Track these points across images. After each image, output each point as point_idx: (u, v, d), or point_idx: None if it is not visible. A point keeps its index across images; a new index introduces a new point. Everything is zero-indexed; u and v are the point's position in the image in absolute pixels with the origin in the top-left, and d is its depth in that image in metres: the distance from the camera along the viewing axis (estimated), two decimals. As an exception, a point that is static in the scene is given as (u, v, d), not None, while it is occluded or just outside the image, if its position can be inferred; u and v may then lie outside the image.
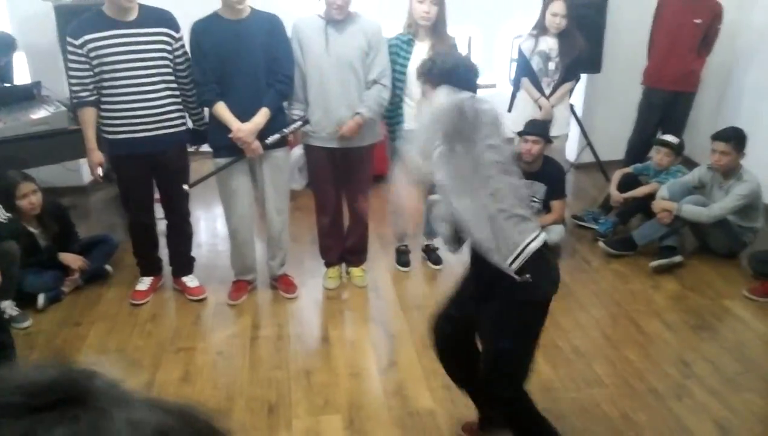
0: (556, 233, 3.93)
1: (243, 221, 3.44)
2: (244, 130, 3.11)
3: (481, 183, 1.97)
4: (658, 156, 4.29)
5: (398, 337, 3.25)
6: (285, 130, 3.22)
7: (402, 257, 3.94)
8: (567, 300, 3.48)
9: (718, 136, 3.86)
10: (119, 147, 3.19)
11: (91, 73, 3.05)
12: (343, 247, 3.74)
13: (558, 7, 3.96)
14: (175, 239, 3.61)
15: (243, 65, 3.08)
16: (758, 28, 4.77)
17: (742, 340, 3.20)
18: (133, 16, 3.06)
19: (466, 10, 4.66)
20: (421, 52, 3.42)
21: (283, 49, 3.16)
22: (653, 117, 4.69)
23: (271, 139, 3.19)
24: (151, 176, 3.38)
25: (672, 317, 3.39)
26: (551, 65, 4.10)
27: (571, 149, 5.18)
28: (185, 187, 3.29)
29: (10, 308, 3.29)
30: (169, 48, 3.13)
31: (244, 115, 3.13)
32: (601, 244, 4.09)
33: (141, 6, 3.09)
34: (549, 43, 4.06)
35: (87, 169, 5.02)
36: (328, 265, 3.75)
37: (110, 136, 3.18)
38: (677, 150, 4.26)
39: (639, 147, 4.76)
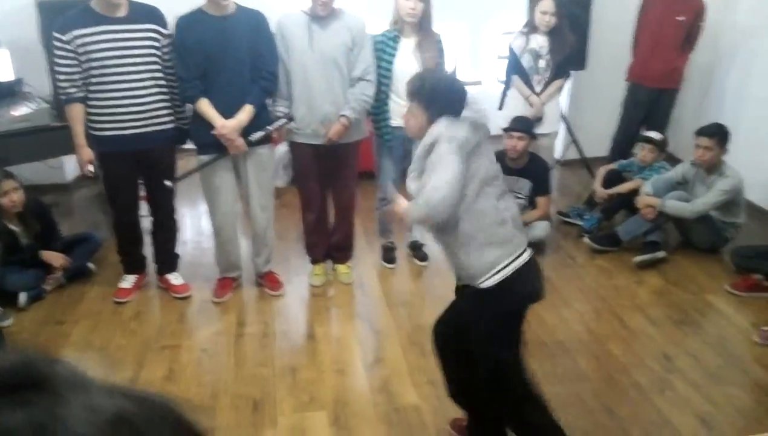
0: (541, 229, 3.95)
1: (227, 218, 3.43)
2: (227, 126, 3.10)
3: (463, 211, 2.03)
4: (642, 152, 4.33)
5: (384, 333, 3.26)
6: (269, 128, 3.20)
7: (388, 254, 3.94)
8: (552, 295, 3.48)
9: (701, 132, 3.90)
10: (106, 144, 3.16)
11: (79, 69, 3.02)
12: (329, 244, 3.74)
13: (547, 5, 3.95)
14: (160, 236, 3.58)
15: (227, 61, 3.06)
16: (741, 27, 4.81)
17: (724, 334, 3.24)
18: (122, 12, 3.03)
19: (452, 7, 4.66)
20: (407, 48, 3.42)
21: (268, 45, 3.15)
22: (637, 114, 4.73)
23: (255, 137, 3.18)
24: (138, 174, 3.36)
25: (655, 312, 3.42)
26: (542, 63, 4.11)
27: (556, 146, 5.19)
28: (167, 183, 3.26)
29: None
30: (157, 44, 3.10)
31: (228, 112, 3.11)
32: (585, 240, 4.12)
33: (130, 2, 3.06)
34: (539, 41, 4.07)
35: (70, 166, 5.03)
36: (313, 262, 3.74)
37: (97, 133, 3.14)
38: (661, 146, 4.30)
39: (623, 144, 4.80)
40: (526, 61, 4.13)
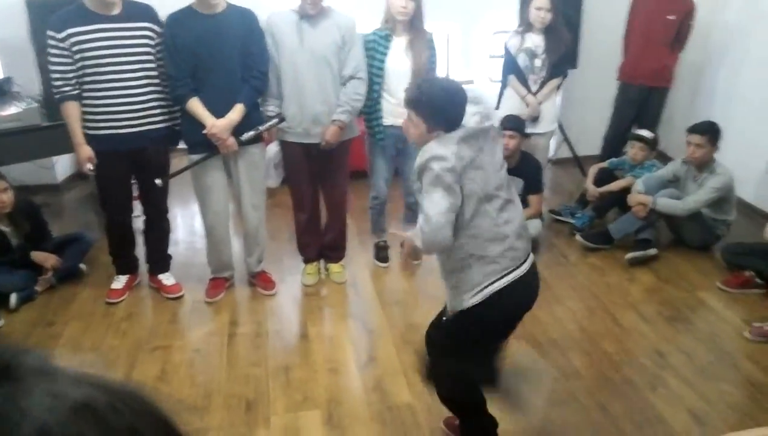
0: (533, 228, 3.96)
1: (218, 217, 3.41)
2: (218, 126, 3.08)
3: (457, 230, 2.05)
4: (633, 151, 4.34)
5: (377, 332, 3.25)
6: (260, 128, 3.19)
7: (381, 253, 3.94)
8: (544, 294, 3.45)
9: (693, 129, 3.91)
10: (100, 143, 3.13)
11: (74, 67, 3.00)
12: (322, 243, 3.73)
13: (541, 1, 3.95)
14: (152, 236, 3.57)
15: (218, 60, 3.05)
16: (730, 27, 4.84)
17: (715, 331, 3.25)
18: (117, 10, 3.01)
19: (443, 6, 4.66)
20: (398, 47, 3.42)
21: (258, 44, 3.13)
22: (628, 112, 4.74)
23: (246, 136, 3.16)
24: (131, 173, 3.34)
25: (647, 309, 3.43)
26: (537, 62, 4.10)
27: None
28: (157, 181, 3.25)
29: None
30: (152, 43, 3.09)
31: (218, 111, 3.10)
32: (578, 238, 4.13)
33: (124, 0, 3.04)
34: (535, 40, 4.06)
35: (61, 167, 5.00)
36: (306, 261, 3.73)
37: (91, 132, 3.12)
38: (652, 145, 4.31)
39: (614, 142, 4.81)
40: (521, 61, 4.13)
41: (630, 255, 3.89)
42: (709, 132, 3.86)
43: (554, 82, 4.18)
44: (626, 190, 4.16)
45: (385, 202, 3.80)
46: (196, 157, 3.23)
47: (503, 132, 3.85)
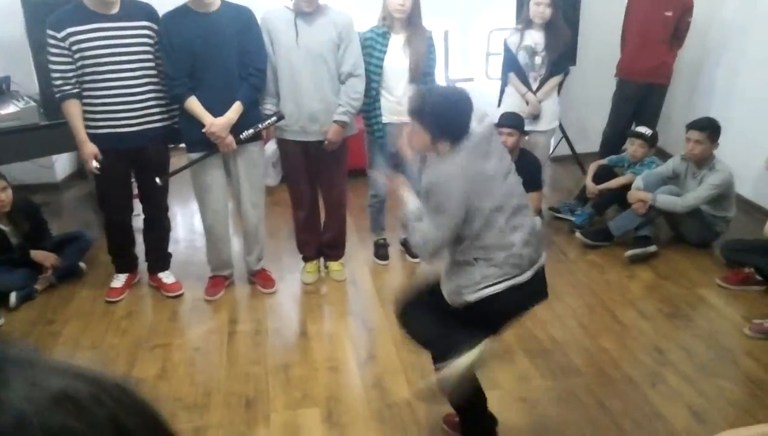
0: (532, 225, 3.95)
1: (218, 216, 3.41)
2: (217, 124, 3.08)
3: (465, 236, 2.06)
4: (632, 147, 4.34)
5: (377, 330, 3.25)
6: (260, 126, 3.18)
7: (380, 251, 3.94)
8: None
9: (693, 125, 3.91)
10: (100, 142, 3.12)
11: (73, 66, 2.99)
12: (321, 241, 3.73)
13: None
14: (152, 234, 3.56)
15: (214, 59, 3.04)
16: (729, 23, 4.83)
17: (715, 328, 3.25)
18: (116, 9, 3.00)
19: (441, 3, 4.66)
20: (396, 44, 3.41)
21: (255, 41, 3.12)
22: (627, 109, 4.74)
23: (245, 135, 3.16)
24: (131, 172, 3.34)
25: (647, 306, 3.43)
26: (537, 60, 4.10)
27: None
28: (158, 180, 3.25)
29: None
30: (151, 42, 3.08)
31: (217, 110, 3.09)
32: (577, 235, 4.13)
33: None
34: (535, 38, 4.05)
35: (60, 166, 5.00)
36: (305, 259, 3.73)
37: (91, 131, 3.11)
38: (651, 141, 4.31)
39: (614, 139, 4.81)
40: (521, 58, 4.12)
41: (630, 252, 3.88)
42: (709, 128, 3.86)
43: (555, 79, 4.17)
44: (626, 188, 4.15)
45: (385, 200, 3.80)
46: (195, 155, 3.22)
47: (501, 129, 3.84)
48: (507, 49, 4.20)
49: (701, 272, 3.78)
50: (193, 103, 3.09)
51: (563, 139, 5.20)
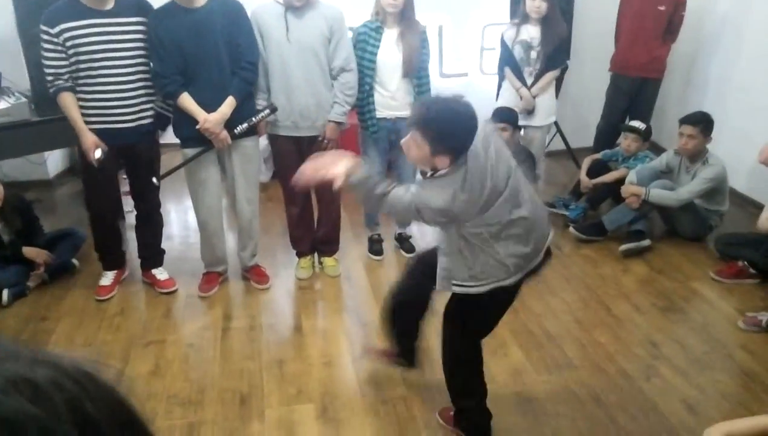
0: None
1: (212, 211, 3.39)
2: (210, 120, 3.06)
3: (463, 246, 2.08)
4: (626, 142, 4.34)
5: (371, 325, 3.24)
6: (253, 119, 3.17)
7: (375, 246, 3.93)
8: (538, 285, 3.48)
9: (685, 120, 3.91)
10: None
11: (67, 62, 2.96)
12: (314, 237, 3.72)
13: None
14: (145, 230, 3.54)
15: (205, 55, 3.01)
16: (722, 16, 4.83)
17: (709, 321, 3.26)
18: (110, 5, 2.97)
19: (435, -1, 4.65)
20: (390, 39, 3.40)
21: (246, 35, 3.09)
22: (621, 103, 4.74)
23: (239, 129, 3.14)
24: (120, 168, 3.31)
25: (641, 300, 3.44)
26: (533, 54, 4.09)
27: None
28: (154, 180, 3.23)
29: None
30: (145, 37, 3.05)
31: (210, 106, 3.07)
32: (571, 229, 4.13)
33: None
34: (530, 32, 4.05)
35: (52, 162, 4.97)
36: (299, 255, 3.72)
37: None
38: (645, 136, 4.31)
39: (607, 133, 4.81)
40: (517, 53, 4.13)
41: (624, 247, 3.89)
42: (702, 122, 3.86)
43: (550, 74, 4.16)
44: (620, 182, 4.16)
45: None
46: (189, 151, 3.20)
47: (495, 124, 3.83)
48: (503, 44, 4.19)
49: (695, 265, 3.79)
50: (186, 100, 3.06)
51: (557, 134, 5.20)
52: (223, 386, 2.79)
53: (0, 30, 4.27)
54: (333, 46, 3.20)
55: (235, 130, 3.14)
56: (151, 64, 3.09)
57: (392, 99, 3.48)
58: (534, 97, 4.14)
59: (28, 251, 3.50)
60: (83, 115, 3.06)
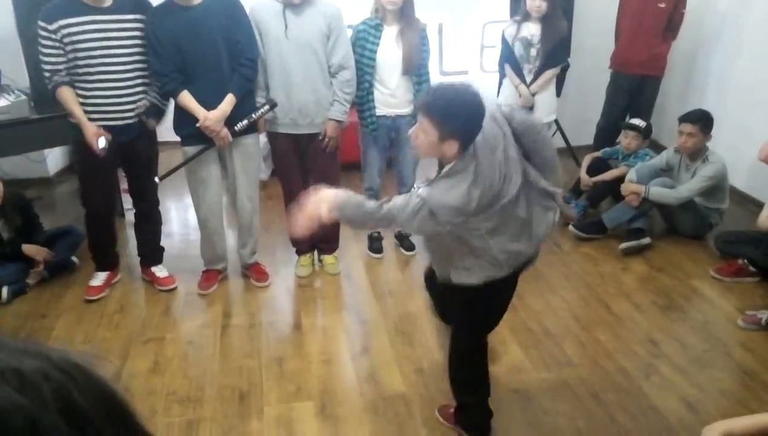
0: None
1: (212, 209, 3.39)
2: (210, 118, 3.06)
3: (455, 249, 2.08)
4: (626, 140, 4.33)
5: (371, 323, 3.25)
6: (253, 116, 3.16)
7: (374, 244, 3.93)
8: (538, 283, 3.50)
9: (685, 118, 3.91)
10: None
11: (65, 59, 2.96)
12: (314, 235, 3.70)
13: None
14: (144, 228, 3.54)
15: (203, 52, 3.01)
16: (723, 13, 4.82)
17: (709, 319, 3.26)
18: (108, 2, 2.96)
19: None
20: (389, 36, 3.40)
21: (245, 31, 3.08)
22: (621, 101, 4.73)
23: (239, 126, 3.14)
24: (117, 166, 3.31)
25: (641, 298, 3.43)
26: (532, 51, 4.09)
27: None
28: (156, 179, 3.23)
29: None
30: (143, 35, 3.05)
31: (210, 103, 3.06)
32: (571, 227, 4.13)
33: None
34: (531, 30, 4.05)
35: (52, 160, 4.97)
36: (299, 253, 3.72)
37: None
38: (645, 133, 4.31)
39: (607, 131, 4.80)
40: (517, 50, 4.12)
41: (623, 245, 3.88)
42: (701, 120, 3.85)
43: (549, 72, 4.15)
44: (619, 180, 4.15)
45: (379, 193, 3.78)
46: (190, 149, 3.20)
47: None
48: (504, 41, 4.19)
49: (695, 263, 3.79)
50: (186, 98, 3.06)
51: (557, 132, 5.19)
52: (223, 384, 2.79)
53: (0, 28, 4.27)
54: (331, 44, 3.20)
55: (236, 127, 3.13)
56: (150, 62, 3.08)
57: (392, 97, 3.47)
58: (533, 95, 4.13)
59: (28, 249, 3.49)
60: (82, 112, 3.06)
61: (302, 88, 3.19)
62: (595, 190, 4.36)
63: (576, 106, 5.30)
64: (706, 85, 5.00)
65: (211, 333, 3.16)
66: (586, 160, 4.47)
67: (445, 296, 2.36)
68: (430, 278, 2.43)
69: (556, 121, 5.12)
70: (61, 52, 2.94)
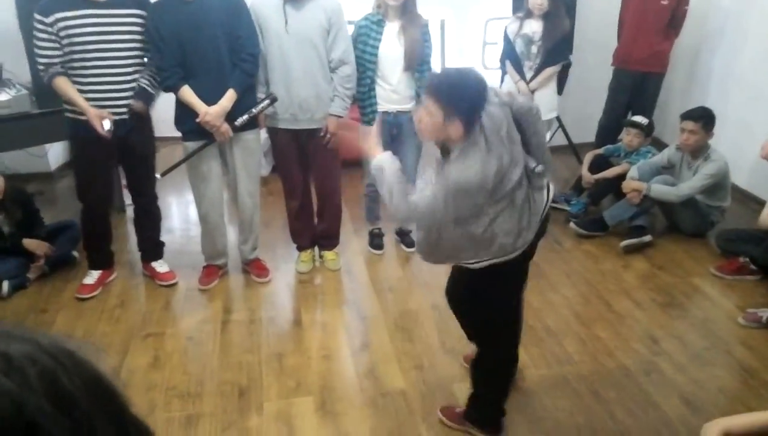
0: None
1: (213, 205, 3.39)
2: (211, 113, 3.05)
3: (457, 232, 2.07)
4: (627, 137, 4.33)
5: (371, 319, 3.25)
6: (253, 110, 3.15)
7: (375, 240, 3.93)
8: (539, 280, 3.50)
9: (687, 116, 3.90)
10: (84, 129, 3.05)
11: (60, 52, 2.95)
12: (315, 231, 3.71)
13: None
14: (144, 223, 3.54)
15: (204, 47, 3.00)
16: (725, 10, 4.81)
17: (709, 317, 3.25)
18: None
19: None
20: (391, 32, 3.39)
21: (246, 26, 3.07)
22: (623, 98, 4.72)
23: (240, 121, 3.13)
24: (114, 161, 3.30)
25: (641, 296, 3.43)
26: (533, 48, 4.08)
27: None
28: (158, 175, 3.22)
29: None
30: (140, 30, 3.03)
31: (210, 99, 3.06)
32: (572, 225, 4.12)
33: None
34: (533, 27, 4.05)
35: (53, 154, 4.97)
36: (300, 249, 3.72)
37: (76, 117, 3.07)
38: (647, 131, 4.30)
39: (609, 128, 4.80)
40: (518, 47, 4.12)
41: (625, 242, 3.88)
42: (703, 118, 3.85)
43: (550, 69, 4.15)
44: (621, 177, 4.14)
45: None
46: (191, 145, 3.19)
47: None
48: (506, 37, 4.19)
49: (696, 261, 3.78)
50: (187, 93, 3.06)
51: (559, 129, 5.18)
52: (222, 379, 2.79)
53: (1, 22, 4.26)
54: (331, 39, 3.19)
55: (236, 123, 3.13)
56: (151, 56, 3.07)
57: (394, 92, 3.47)
58: (532, 92, 4.13)
59: (29, 243, 3.50)
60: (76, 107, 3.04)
61: (302, 83, 3.18)
62: (596, 187, 4.35)
63: (578, 103, 5.29)
64: (708, 83, 4.98)
65: (211, 328, 3.16)
66: (588, 158, 4.46)
67: (464, 293, 2.35)
68: (451, 293, 2.43)
69: (558, 118, 5.11)
70: (56, 45, 2.93)
